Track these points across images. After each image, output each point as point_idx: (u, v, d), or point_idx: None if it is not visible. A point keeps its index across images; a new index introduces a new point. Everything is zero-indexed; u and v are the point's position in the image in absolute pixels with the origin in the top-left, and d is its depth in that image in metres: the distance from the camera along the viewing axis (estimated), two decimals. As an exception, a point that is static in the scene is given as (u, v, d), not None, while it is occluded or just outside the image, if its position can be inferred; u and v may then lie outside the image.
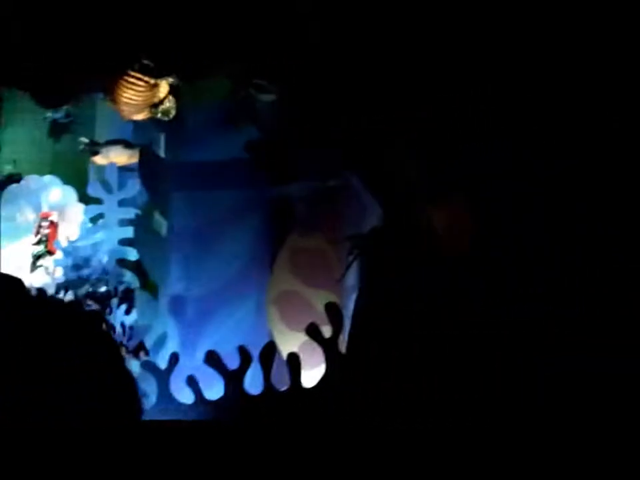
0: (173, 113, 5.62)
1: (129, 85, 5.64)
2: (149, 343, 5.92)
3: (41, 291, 6.20)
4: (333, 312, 4.92)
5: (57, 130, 7.78)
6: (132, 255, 6.67)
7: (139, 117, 5.89)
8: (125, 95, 5.67)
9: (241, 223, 5.95)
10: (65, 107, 7.31)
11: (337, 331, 4.85)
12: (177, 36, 5.32)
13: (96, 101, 7.02)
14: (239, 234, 5.98)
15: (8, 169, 7.53)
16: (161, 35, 5.32)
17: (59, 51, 5.44)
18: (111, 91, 5.69)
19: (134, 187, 6.86)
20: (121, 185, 7.04)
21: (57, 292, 6.51)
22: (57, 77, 5.65)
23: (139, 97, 5.65)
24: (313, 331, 4.89)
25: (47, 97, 6.21)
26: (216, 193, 6.04)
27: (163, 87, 5.68)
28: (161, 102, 5.60)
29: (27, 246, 7.25)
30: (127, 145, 7.03)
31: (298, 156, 5.51)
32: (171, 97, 5.55)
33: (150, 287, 6.40)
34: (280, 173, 5.50)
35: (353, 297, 5.64)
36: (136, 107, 5.72)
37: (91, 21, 5.38)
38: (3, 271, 6.51)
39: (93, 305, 6.26)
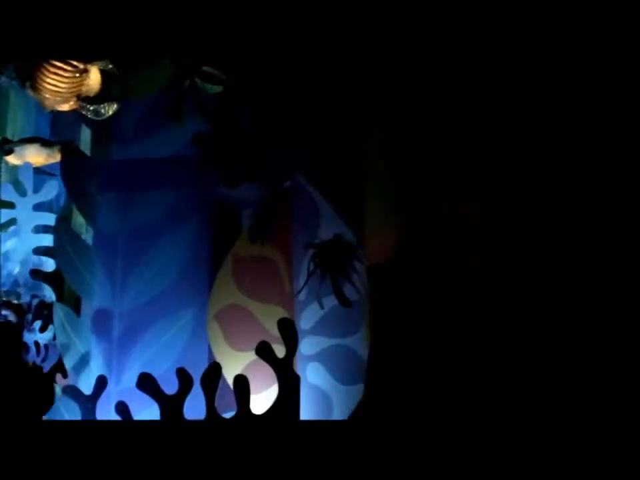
0: (107, 116, 4.94)
1: (54, 70, 4.95)
2: (68, 364, 5.19)
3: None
4: (287, 329, 4.36)
5: (-34, 127, 6.95)
6: (48, 265, 5.92)
7: (64, 107, 5.21)
8: (48, 81, 4.99)
9: (176, 228, 5.34)
10: (-29, 99, 6.49)
11: (291, 350, 4.31)
12: (111, 12, 4.68)
13: (8, 91, 6.25)
14: (174, 241, 5.37)
15: None
16: (93, 10, 4.66)
17: None
18: (31, 76, 4.97)
19: (52, 189, 6.12)
20: (37, 187, 6.28)
21: (-37, 305, 5.66)
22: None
23: (66, 83, 4.97)
24: (264, 351, 4.30)
25: None
26: (148, 195, 5.42)
27: (93, 74, 5.00)
28: (99, 98, 4.91)
29: None
30: (45, 143, 6.28)
31: (246, 154, 4.94)
32: (114, 104, 4.87)
33: (70, 300, 5.66)
34: (226, 172, 4.90)
35: (307, 312, 5.19)
36: (61, 95, 5.04)
37: None
38: None
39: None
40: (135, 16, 4.71)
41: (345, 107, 4.82)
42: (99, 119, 5.21)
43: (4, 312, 5.49)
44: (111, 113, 5.10)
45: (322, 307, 4.66)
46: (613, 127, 4.30)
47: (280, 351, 4.36)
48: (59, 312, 5.43)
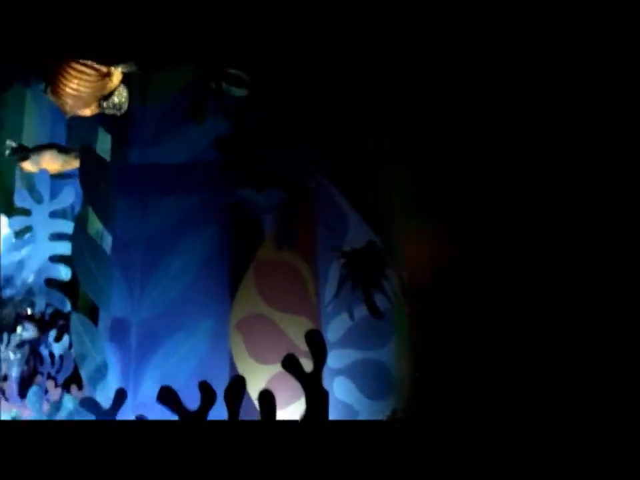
0: (125, 106, 4.79)
1: (76, 74, 4.81)
2: (85, 375, 5.01)
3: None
4: (315, 341, 4.17)
5: (-20, 133, 6.82)
6: (64, 273, 5.75)
7: (85, 112, 5.06)
8: (70, 85, 4.84)
9: (195, 234, 5.17)
10: (-10, 105, 6.36)
11: (319, 364, 4.11)
12: (135, 14, 4.54)
13: (24, 97, 6.11)
14: (193, 247, 5.19)
15: None
16: (117, 12, 4.53)
17: None
18: (53, 80, 4.82)
19: (69, 196, 5.97)
20: (53, 194, 6.13)
21: (-24, 314, 5.50)
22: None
23: (88, 87, 4.84)
24: (291, 364, 4.11)
25: None
26: (167, 200, 5.25)
27: (116, 77, 4.86)
28: (111, 94, 4.77)
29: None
30: (62, 149, 6.14)
31: (270, 158, 4.78)
32: (122, 89, 4.73)
33: (84, 309, 5.50)
34: (251, 175, 4.74)
35: (334, 323, 5.01)
36: (83, 99, 4.89)
37: None
38: None
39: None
40: (158, 18, 4.56)
41: (363, 110, 4.67)
42: (120, 112, 5.05)
43: (27, 325, 5.32)
44: (124, 99, 4.92)
45: (353, 318, 4.47)
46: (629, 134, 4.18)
47: (307, 364, 4.14)
48: (76, 321, 5.26)
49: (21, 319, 5.41)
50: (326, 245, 4.60)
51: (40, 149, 6.10)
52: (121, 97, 4.70)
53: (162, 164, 5.17)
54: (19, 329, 5.27)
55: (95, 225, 5.41)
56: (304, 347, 4.32)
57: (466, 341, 4.00)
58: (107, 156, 5.45)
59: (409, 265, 4.32)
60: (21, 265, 5.95)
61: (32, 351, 5.33)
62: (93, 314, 5.54)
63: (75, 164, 5.95)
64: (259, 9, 4.38)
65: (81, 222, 5.65)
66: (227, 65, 4.55)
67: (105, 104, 4.69)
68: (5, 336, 5.43)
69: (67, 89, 4.72)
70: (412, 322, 4.27)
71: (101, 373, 4.97)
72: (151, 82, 5.09)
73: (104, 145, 5.72)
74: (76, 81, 4.70)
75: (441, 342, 4.06)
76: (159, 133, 5.18)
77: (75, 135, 5.94)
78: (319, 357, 4.03)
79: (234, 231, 5.10)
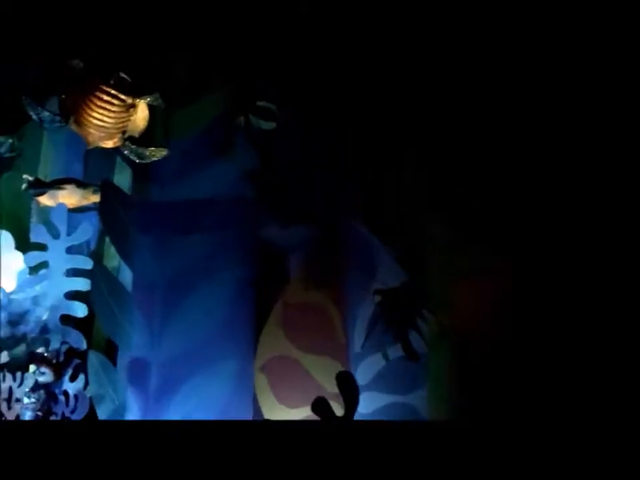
0: (155, 158, 4.66)
1: (101, 103, 4.69)
2: (102, 417, 4.82)
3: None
4: (348, 383, 3.97)
5: (-1, 166, 6.72)
6: (80, 310, 5.59)
7: (108, 143, 4.94)
8: (94, 115, 4.72)
9: (219, 273, 5.02)
10: (10, 140, 6.27)
11: (351, 408, 3.91)
12: (162, 45, 4.45)
13: (42, 131, 6.02)
14: (216, 286, 5.04)
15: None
16: (143, 43, 4.43)
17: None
18: (76, 109, 4.71)
19: (86, 231, 5.83)
20: (71, 230, 5.99)
21: (-11, 353, 5.33)
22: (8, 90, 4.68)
23: (112, 118, 4.70)
24: (321, 408, 3.90)
25: None
26: (189, 238, 5.09)
27: (140, 109, 4.74)
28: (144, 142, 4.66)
29: (-49, 298, 6.08)
30: (80, 184, 6.02)
31: (299, 195, 4.64)
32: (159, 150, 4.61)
33: (99, 348, 5.32)
34: (276, 212, 4.60)
35: (364, 365, 4.82)
36: (107, 130, 4.77)
37: (54, 23, 4.47)
38: None
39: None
40: (186, 49, 4.45)
41: (396, 152, 4.55)
42: (142, 161, 4.94)
43: (42, 369, 5.15)
44: (155, 159, 4.83)
45: (387, 359, 4.27)
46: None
47: (337, 408, 3.94)
48: (94, 360, 5.08)
49: (36, 361, 5.23)
50: (355, 284, 4.42)
51: (58, 183, 5.99)
52: (155, 154, 4.58)
53: (184, 200, 5.02)
54: (33, 370, 5.08)
55: (111, 262, 5.26)
56: (332, 389, 4.15)
57: (511, 388, 3.81)
58: (124, 190, 5.29)
59: (448, 307, 4.13)
60: (35, 301, 5.79)
61: (47, 393, 5.14)
62: (107, 353, 5.36)
63: (93, 199, 5.83)
64: (283, 35, 4.26)
65: (100, 258, 5.48)
66: (255, 97, 4.41)
67: (134, 148, 4.57)
68: (19, 375, 5.25)
69: (91, 119, 4.60)
70: (450, 366, 4.06)
71: (119, 414, 4.77)
72: (174, 115, 4.95)
73: (122, 178, 5.60)
74: (100, 111, 4.59)
75: (482, 389, 3.85)
76: (181, 168, 5.05)
77: (92, 168, 5.81)
78: (351, 399, 3.84)
79: (258, 270, 4.93)
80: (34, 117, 4.96)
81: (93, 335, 5.51)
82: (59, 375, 5.08)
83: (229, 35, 4.54)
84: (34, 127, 5.78)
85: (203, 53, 4.58)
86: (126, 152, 4.85)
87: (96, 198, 5.76)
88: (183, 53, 4.62)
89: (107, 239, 5.72)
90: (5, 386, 5.22)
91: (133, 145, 4.73)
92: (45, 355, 5.12)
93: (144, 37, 4.55)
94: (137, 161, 4.90)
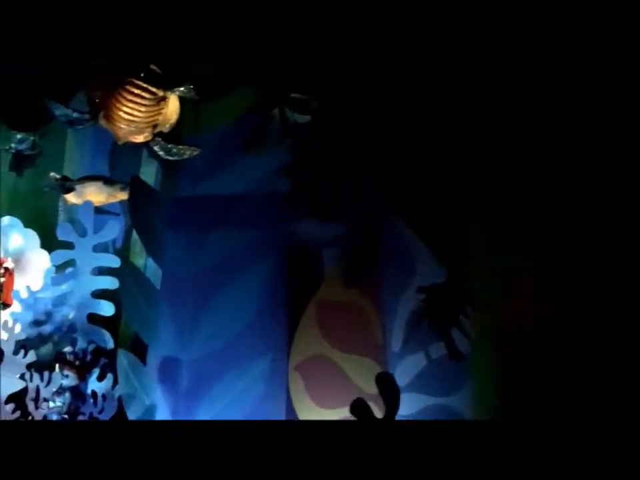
0: (185, 157, 4.52)
1: (131, 97, 4.57)
2: (132, 417, 4.71)
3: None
4: (388, 384, 3.82)
5: (19, 163, 6.64)
6: (107, 309, 5.48)
7: (138, 138, 4.82)
8: (124, 109, 4.60)
9: (250, 269, 4.89)
10: (32, 137, 6.19)
11: (392, 410, 3.77)
12: (194, 36, 4.32)
13: (65, 130, 5.93)
14: (247, 283, 4.91)
15: (-38, 202, 6.31)
16: (174, 34, 4.31)
17: (37, 46, 4.38)
18: (105, 104, 4.59)
19: (113, 229, 5.72)
20: (97, 227, 5.88)
21: (16, 352, 5.24)
22: (35, 83, 4.58)
23: (142, 112, 4.58)
24: (359, 409, 3.76)
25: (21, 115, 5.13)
26: (220, 234, 4.96)
27: (172, 102, 4.62)
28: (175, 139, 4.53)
29: (-23, 295, 5.99)
30: (107, 181, 5.92)
31: (335, 191, 4.50)
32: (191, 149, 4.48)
33: (124, 347, 5.21)
34: (310, 209, 4.46)
35: (403, 366, 4.68)
36: (137, 125, 4.65)
37: (82, 16, 4.36)
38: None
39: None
40: (218, 40, 4.33)
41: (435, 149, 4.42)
42: (171, 158, 4.82)
43: (66, 372, 5.04)
44: (185, 157, 4.71)
45: (429, 359, 4.13)
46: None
47: (377, 410, 3.80)
48: (123, 360, 4.97)
49: (60, 364, 5.13)
50: (393, 283, 4.27)
51: (84, 180, 5.89)
52: (186, 153, 4.46)
53: (215, 195, 4.89)
54: (58, 375, 4.99)
55: (137, 260, 5.15)
56: (369, 390, 4.01)
57: (557, 391, 3.66)
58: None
59: (492, 306, 3.98)
60: (61, 300, 5.70)
61: (72, 396, 5.04)
62: (135, 352, 5.26)
63: (120, 196, 5.73)
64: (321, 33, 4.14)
65: (128, 256, 5.38)
66: (289, 89, 4.27)
67: (164, 144, 4.44)
68: (46, 374, 5.15)
69: (121, 113, 4.48)
70: (495, 367, 3.91)
71: (149, 414, 4.65)
72: (204, 109, 4.82)
73: (148, 175, 5.50)
74: (130, 105, 4.47)
75: (527, 391, 3.70)
76: (212, 163, 4.92)
77: (117, 165, 5.71)
78: (392, 401, 3.68)
79: (290, 267, 4.79)
80: (62, 118, 4.85)
81: (119, 334, 5.39)
82: (82, 377, 4.98)
83: (252, 31, 4.40)
84: (57, 125, 5.67)
85: (229, 48, 4.43)
86: (155, 148, 4.72)
87: (123, 195, 5.66)
88: (207, 50, 4.48)
89: (133, 237, 5.61)
90: (32, 385, 5.13)
91: (162, 141, 4.59)
92: (67, 357, 5.01)
93: (167, 33, 4.42)
94: (166, 157, 4.76)
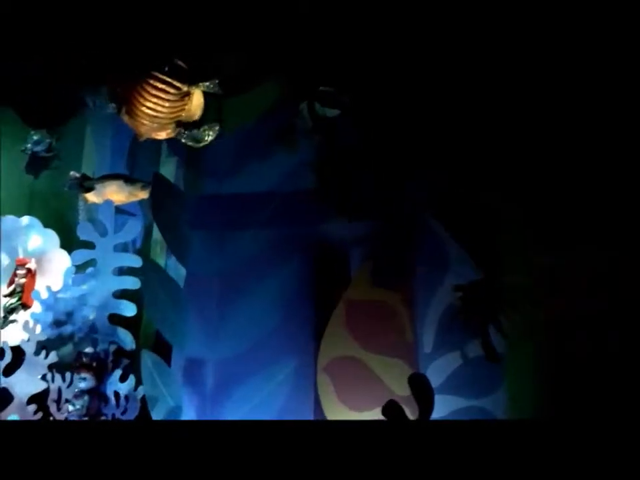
0: (206, 142, 4.42)
1: (154, 92, 4.46)
2: (156, 419, 4.59)
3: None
4: (422, 386, 3.70)
5: (35, 165, 6.58)
6: (128, 310, 5.39)
7: (161, 135, 4.71)
8: (147, 105, 4.49)
9: (276, 270, 4.79)
10: (48, 140, 6.12)
11: (426, 412, 3.64)
12: (218, 29, 4.21)
13: (84, 129, 5.84)
14: (273, 284, 4.81)
15: (-21, 203, 6.24)
16: (197, 26, 4.20)
17: (58, 40, 4.28)
18: (127, 98, 4.49)
19: (134, 229, 5.63)
20: (118, 227, 5.80)
21: (37, 352, 5.16)
22: (55, 78, 4.48)
23: (166, 107, 4.47)
24: (392, 411, 3.64)
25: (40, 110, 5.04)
26: (245, 233, 4.85)
27: (196, 97, 4.51)
28: (194, 123, 4.41)
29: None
30: (128, 180, 5.83)
31: (364, 188, 4.38)
32: (213, 127, 4.36)
33: (146, 347, 5.11)
34: (339, 207, 4.34)
35: (434, 367, 4.55)
36: (160, 121, 4.54)
37: (107, 9, 4.25)
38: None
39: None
40: (243, 32, 4.21)
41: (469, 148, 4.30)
42: (198, 145, 4.70)
43: (83, 375, 4.96)
44: (211, 137, 4.59)
45: (463, 360, 4.00)
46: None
47: (410, 412, 3.67)
48: (147, 361, 4.87)
49: (76, 366, 5.05)
50: (424, 282, 4.15)
51: (105, 179, 5.81)
52: (209, 133, 4.34)
53: (240, 194, 4.78)
54: (76, 378, 4.91)
55: (158, 260, 5.06)
56: (400, 391, 3.89)
57: (602, 396, 3.52)
58: (170, 184, 5.08)
59: (532, 305, 3.84)
60: (82, 300, 5.61)
61: (91, 398, 4.95)
62: (157, 353, 5.17)
63: (141, 195, 5.65)
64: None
65: (150, 255, 5.28)
66: (318, 82, 4.14)
67: (185, 133, 4.32)
68: (68, 376, 5.07)
69: (144, 108, 4.38)
70: (534, 369, 3.77)
71: (174, 416, 4.55)
72: (227, 105, 4.71)
73: (166, 174, 5.41)
74: (154, 100, 4.36)
75: (568, 395, 3.56)
76: (237, 160, 4.81)
77: (136, 164, 5.63)
78: (426, 403, 3.56)
79: (318, 266, 4.67)
80: (90, 104, 4.75)
81: (139, 335, 5.30)
82: (100, 378, 4.89)
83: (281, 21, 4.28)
84: (74, 126, 5.58)
85: (254, 40, 4.32)
86: (183, 140, 4.59)
87: (144, 194, 5.57)
88: (232, 43, 4.36)
89: (153, 237, 5.52)
90: (53, 387, 5.05)
91: (185, 130, 4.46)
92: (83, 359, 4.92)
93: (191, 26, 4.31)
94: (193, 145, 4.64)
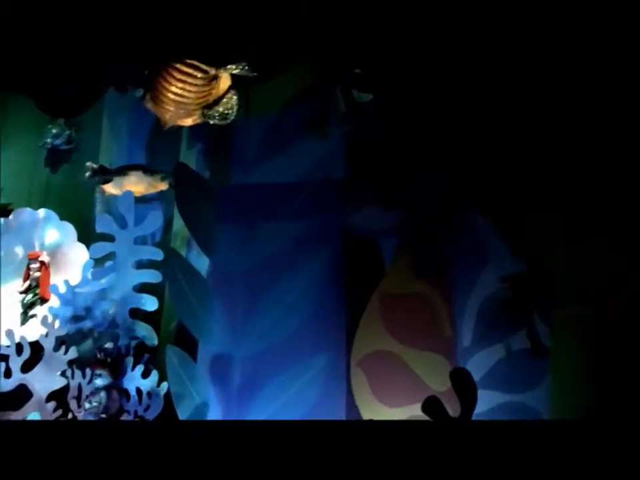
0: (233, 116, 4.25)
1: (181, 76, 4.29)
2: (182, 417, 4.44)
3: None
4: (464, 381, 3.52)
5: (54, 158, 6.44)
6: (149, 304, 5.23)
7: (187, 122, 4.54)
8: (173, 90, 4.32)
9: (305, 262, 4.62)
10: (67, 131, 5.98)
11: (469, 409, 3.47)
12: (249, 8, 4.03)
13: (101, 120, 5.69)
14: (302, 276, 4.64)
15: (-6, 198, 6.10)
16: (225, 7, 4.01)
17: (80, 27, 4.11)
18: (153, 84, 4.31)
19: (155, 221, 5.46)
20: (138, 219, 5.64)
21: (56, 348, 5.01)
22: (76, 66, 4.31)
23: (192, 92, 4.30)
24: (432, 408, 3.47)
25: (58, 100, 4.88)
26: (272, 224, 4.68)
27: (223, 81, 4.33)
28: (216, 102, 4.23)
29: (15, 292, 5.78)
30: (147, 171, 5.68)
31: (398, 175, 4.20)
32: (231, 95, 4.18)
33: (174, 342, 4.95)
34: (370, 195, 4.17)
35: (474, 361, 4.38)
36: (186, 107, 4.36)
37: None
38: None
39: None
40: (274, 12, 4.03)
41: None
42: (225, 123, 4.52)
43: (98, 371, 4.81)
44: (233, 106, 4.39)
45: (504, 354, 3.83)
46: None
47: (452, 409, 3.50)
48: (172, 356, 4.70)
49: (91, 363, 4.90)
50: (463, 273, 3.98)
51: (124, 170, 5.65)
52: (228, 104, 4.15)
53: (267, 183, 4.61)
54: (89, 373, 4.76)
55: (193, 250, 4.88)
56: (437, 387, 3.73)
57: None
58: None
59: (577, 297, 3.67)
60: (101, 295, 5.46)
61: (108, 395, 4.79)
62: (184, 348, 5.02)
63: (161, 186, 5.49)
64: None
65: (172, 247, 5.12)
66: (352, 65, 3.96)
67: (209, 112, 4.14)
68: (88, 372, 4.92)
69: (169, 94, 4.21)
70: (580, 363, 3.60)
71: (200, 413, 4.39)
72: (255, 91, 4.54)
73: (188, 163, 5.25)
74: (180, 85, 4.19)
75: (615, 391, 3.38)
76: (264, 149, 4.64)
77: (155, 156, 5.47)
78: (469, 399, 3.38)
79: (349, 258, 4.50)
80: (116, 91, 4.58)
81: (160, 330, 5.15)
82: (116, 375, 4.74)
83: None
84: (92, 117, 5.43)
85: (286, 22, 4.14)
86: (210, 121, 4.41)
87: (164, 185, 5.42)
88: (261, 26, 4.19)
89: (173, 229, 5.37)
90: (73, 383, 4.91)
91: (210, 111, 4.28)
92: (98, 355, 4.78)
93: (219, 8, 4.13)
94: (221, 123, 4.45)
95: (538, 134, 4.02)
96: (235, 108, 4.29)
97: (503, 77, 4.01)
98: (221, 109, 4.32)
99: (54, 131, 5.77)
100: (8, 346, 5.03)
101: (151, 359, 5.03)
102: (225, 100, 4.22)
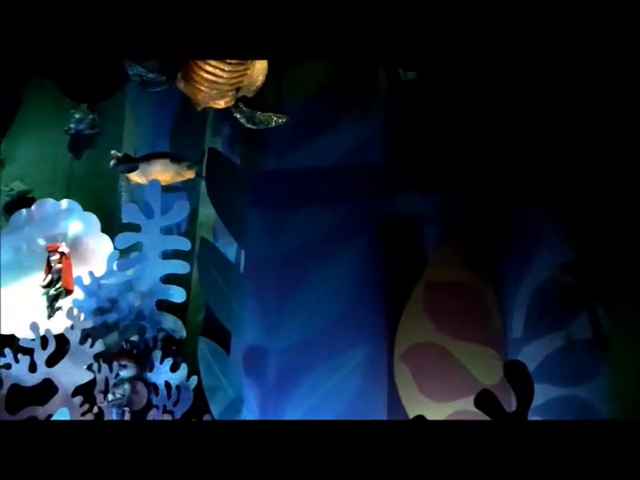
0: (273, 124, 4.06)
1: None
2: (216, 411, 4.27)
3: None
4: (520, 374, 3.32)
5: (79, 144, 6.29)
6: (177, 295, 5.06)
7: (219, 103, 4.35)
8: (207, 68, 4.13)
9: (341, 250, 4.44)
10: (90, 116, 5.82)
11: (525, 403, 3.26)
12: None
13: (124, 106, 5.53)
14: (339, 265, 4.47)
15: (17, 185, 5.94)
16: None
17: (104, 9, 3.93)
18: (185, 63, 4.12)
19: (183, 210, 5.29)
20: (165, 208, 5.48)
21: (82, 341, 4.85)
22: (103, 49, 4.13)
23: (227, 72, 4.11)
24: (485, 402, 3.27)
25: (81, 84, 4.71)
26: (307, 211, 4.50)
27: (259, 61, 4.14)
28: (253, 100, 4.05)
29: (37, 284, 5.63)
30: (174, 159, 5.50)
31: (440, 156, 4.00)
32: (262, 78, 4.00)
33: (194, 335, 4.77)
34: (411, 179, 3.97)
35: (525, 353, 4.18)
36: (219, 88, 4.18)
37: None
38: (13, 318, 4.94)
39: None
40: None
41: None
42: (254, 127, 4.36)
43: (123, 362, 4.65)
44: (270, 126, 4.24)
45: (562, 345, 3.62)
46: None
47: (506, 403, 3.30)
48: (205, 349, 4.53)
49: (116, 354, 4.74)
50: (514, 261, 3.77)
51: (149, 158, 5.48)
52: (272, 121, 3.99)
53: (302, 169, 4.42)
54: (116, 366, 4.61)
55: (225, 239, 4.71)
56: (485, 380, 3.55)
57: None
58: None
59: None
60: (127, 286, 5.29)
61: (132, 387, 4.63)
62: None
63: (187, 175, 5.33)
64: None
65: (203, 237, 4.94)
66: (397, 41, 3.77)
67: (242, 108, 3.97)
68: (115, 366, 4.76)
69: (202, 72, 4.02)
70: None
71: (235, 408, 4.21)
72: (289, 74, 4.35)
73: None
74: (214, 63, 3.99)
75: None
76: (299, 133, 4.46)
77: (179, 143, 5.30)
78: (525, 393, 3.18)
79: (389, 245, 4.30)
80: (135, 78, 4.39)
81: (186, 322, 4.98)
82: (141, 367, 4.57)
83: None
84: (115, 102, 5.27)
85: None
86: (237, 115, 4.24)
87: (191, 174, 5.26)
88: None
89: (199, 219, 5.21)
90: (100, 377, 4.75)
91: (246, 107, 4.11)
92: (124, 346, 4.62)
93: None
94: (247, 125, 4.30)
95: (590, 122, 3.80)
96: (271, 124, 4.12)
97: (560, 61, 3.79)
98: (257, 115, 4.14)
99: (77, 115, 5.62)
100: (33, 339, 4.86)
101: (179, 351, 4.86)
102: (271, 115, 4.05)
